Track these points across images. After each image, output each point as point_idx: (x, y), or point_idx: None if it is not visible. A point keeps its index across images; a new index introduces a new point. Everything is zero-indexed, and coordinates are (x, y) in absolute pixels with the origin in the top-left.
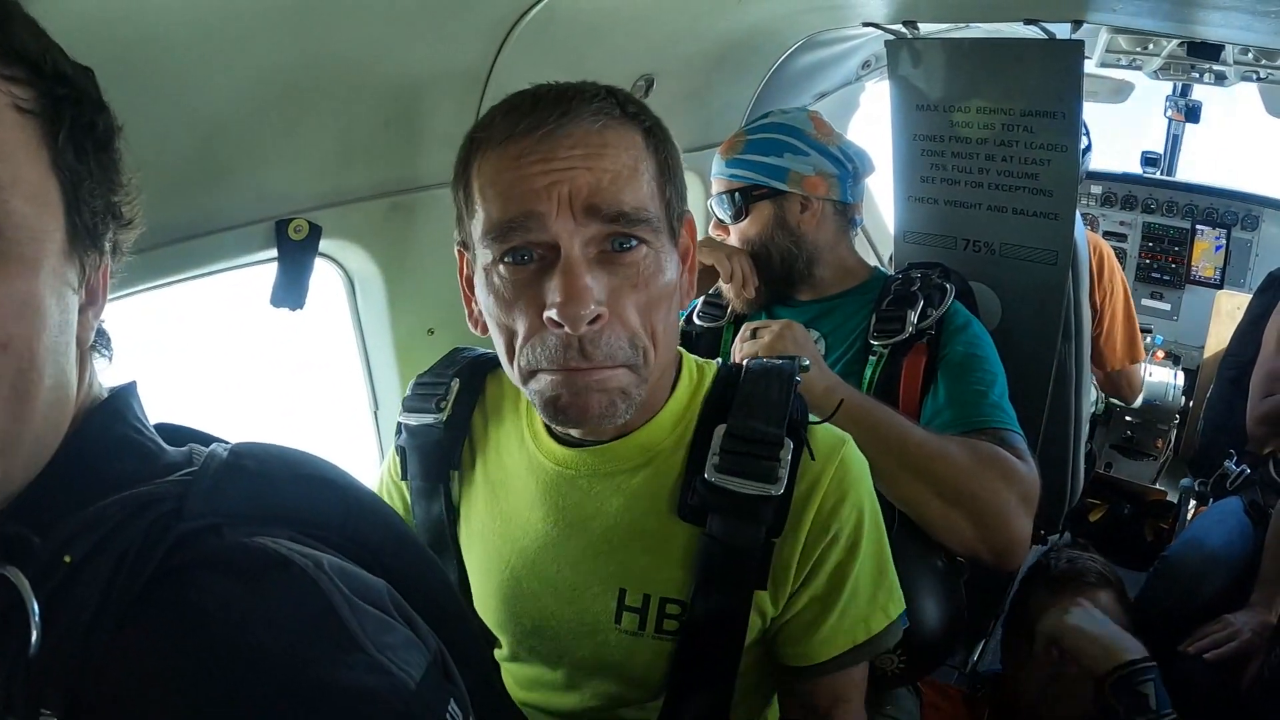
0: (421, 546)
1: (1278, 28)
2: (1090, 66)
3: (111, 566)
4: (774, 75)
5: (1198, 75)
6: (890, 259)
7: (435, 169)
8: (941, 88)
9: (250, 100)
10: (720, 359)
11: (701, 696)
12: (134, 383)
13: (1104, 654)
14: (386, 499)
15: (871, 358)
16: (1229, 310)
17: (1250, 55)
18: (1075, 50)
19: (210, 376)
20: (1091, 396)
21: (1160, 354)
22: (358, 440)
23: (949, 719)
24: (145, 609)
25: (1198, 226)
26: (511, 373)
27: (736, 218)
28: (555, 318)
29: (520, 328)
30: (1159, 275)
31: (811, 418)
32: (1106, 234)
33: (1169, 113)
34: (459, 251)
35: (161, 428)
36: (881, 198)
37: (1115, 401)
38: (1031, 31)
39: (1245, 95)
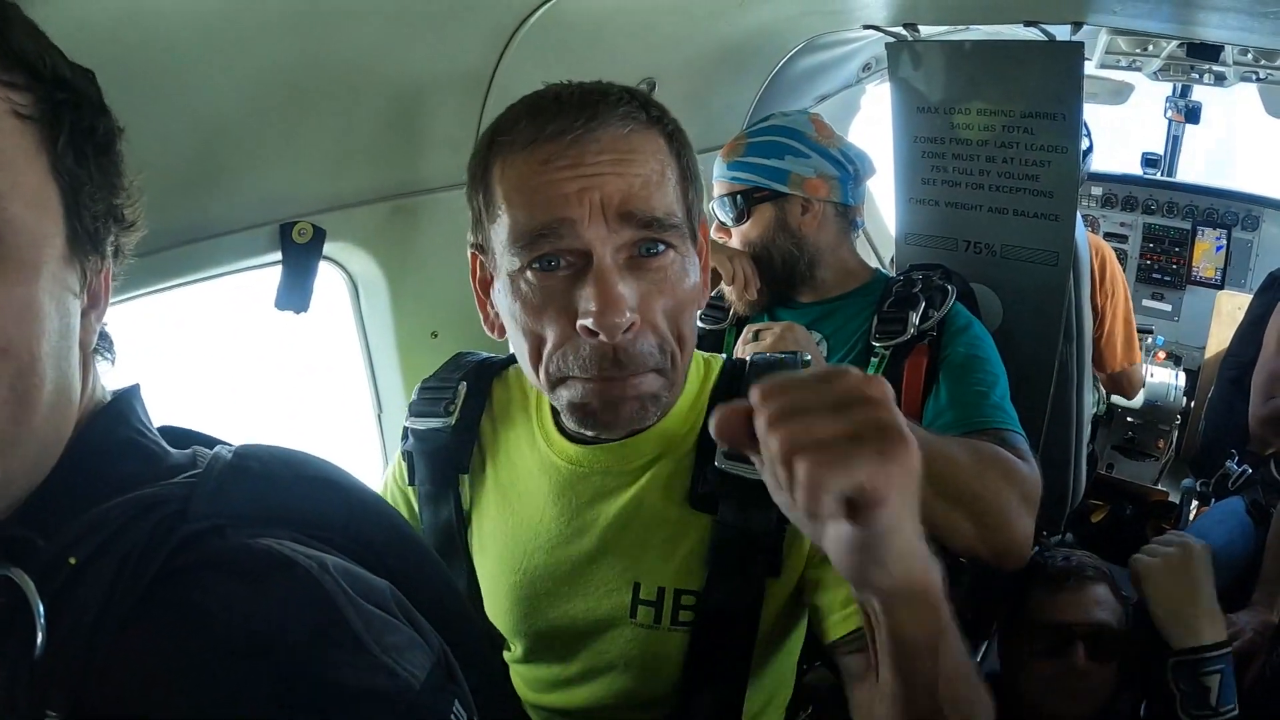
0: (425, 547)
1: (1277, 28)
2: (1090, 68)
3: (115, 568)
4: (775, 78)
5: (1197, 76)
6: (891, 261)
7: (438, 172)
8: (942, 90)
9: (253, 103)
10: None
11: (716, 688)
12: (137, 385)
13: (1183, 628)
14: (391, 504)
15: (873, 359)
16: (1230, 311)
17: (1249, 56)
18: (1075, 52)
19: (214, 380)
20: (1093, 397)
21: (1161, 355)
22: (361, 443)
23: None
24: (149, 609)
25: (1198, 227)
26: (536, 379)
27: (738, 220)
28: (591, 326)
29: (550, 335)
30: (1160, 276)
31: None
32: (1107, 235)
33: (1169, 114)
34: (472, 255)
35: (165, 430)
36: (882, 200)
37: (1117, 402)
38: (1032, 33)
39: (1245, 96)
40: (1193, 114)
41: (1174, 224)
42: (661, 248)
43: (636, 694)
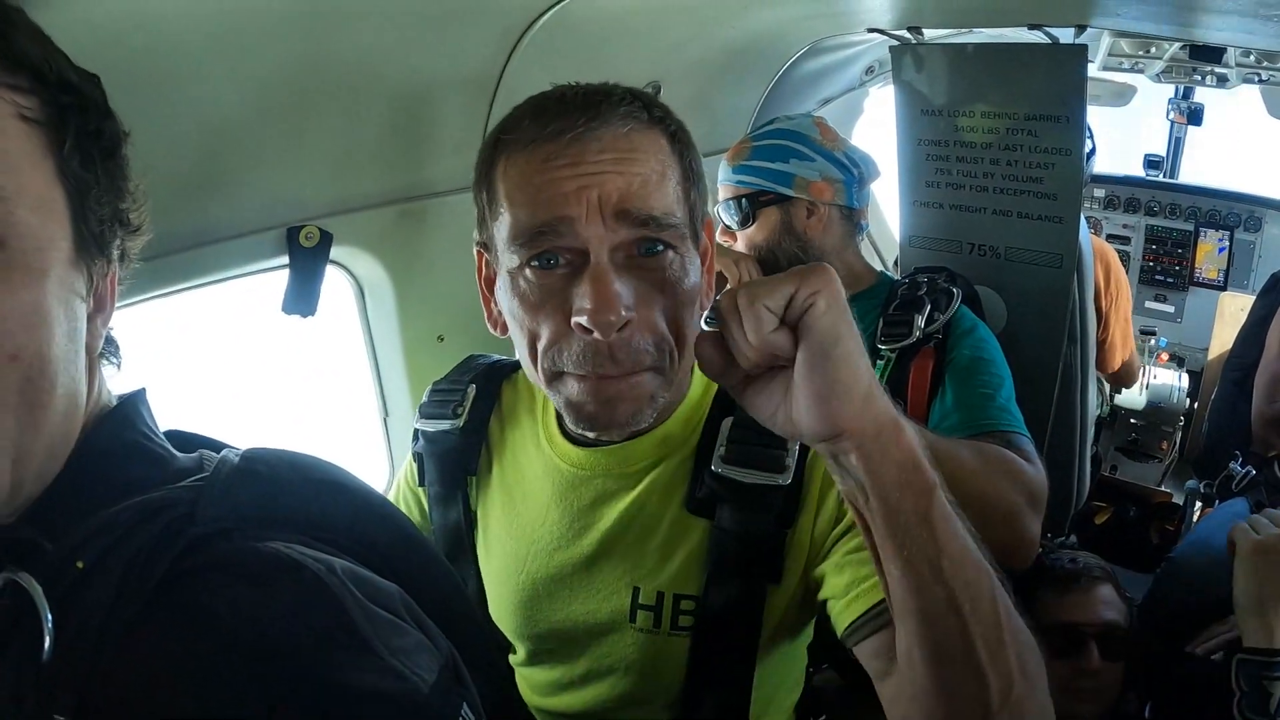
0: (432, 550)
1: (1279, 30)
2: (1093, 70)
3: (122, 571)
4: (779, 81)
5: (1200, 78)
6: (896, 264)
7: (444, 175)
8: (946, 93)
9: (259, 106)
10: None
11: (720, 692)
12: (143, 389)
13: (1260, 623)
14: (402, 505)
15: (879, 362)
16: (1232, 312)
17: (1252, 58)
18: (1078, 54)
19: (221, 383)
20: (1096, 399)
21: (1164, 356)
22: (368, 446)
23: None
24: (156, 612)
25: (1201, 229)
26: (534, 375)
27: (743, 224)
28: (585, 324)
29: (545, 331)
30: (1162, 278)
31: None
32: (1110, 237)
33: (1171, 115)
34: (478, 252)
35: (171, 434)
36: (886, 203)
37: (1120, 404)
38: (1035, 36)
39: (1247, 97)
40: (1195, 116)
41: (1176, 225)
42: (660, 247)
43: (640, 697)
